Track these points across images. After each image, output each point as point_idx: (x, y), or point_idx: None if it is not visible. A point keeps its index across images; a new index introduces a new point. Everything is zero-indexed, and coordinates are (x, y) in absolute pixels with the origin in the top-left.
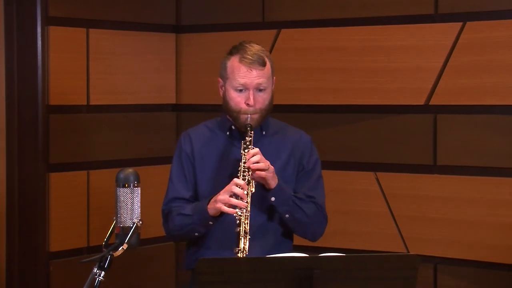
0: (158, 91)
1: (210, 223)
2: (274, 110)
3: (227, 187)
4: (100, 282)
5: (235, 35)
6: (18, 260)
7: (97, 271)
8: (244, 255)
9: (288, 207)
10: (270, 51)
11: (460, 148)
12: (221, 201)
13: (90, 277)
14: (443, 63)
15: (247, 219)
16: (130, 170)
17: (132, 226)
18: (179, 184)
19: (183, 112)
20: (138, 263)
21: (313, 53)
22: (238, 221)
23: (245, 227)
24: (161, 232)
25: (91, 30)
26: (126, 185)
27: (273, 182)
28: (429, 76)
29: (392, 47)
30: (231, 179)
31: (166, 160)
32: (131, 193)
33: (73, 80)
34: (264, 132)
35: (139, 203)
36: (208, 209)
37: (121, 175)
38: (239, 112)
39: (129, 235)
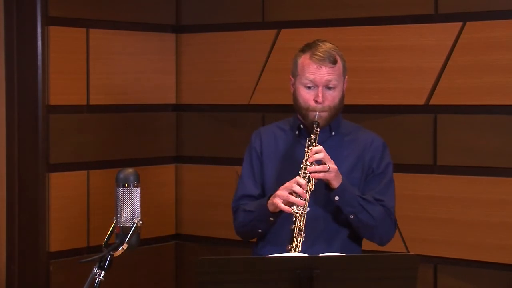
0: (158, 91)
1: (271, 219)
2: (275, 110)
3: (287, 184)
4: (100, 282)
5: (235, 35)
6: (18, 260)
7: (97, 271)
8: (297, 252)
9: (353, 208)
10: (270, 51)
11: (460, 148)
12: (280, 197)
13: (90, 277)
14: (443, 63)
15: (303, 217)
16: (130, 170)
17: (132, 226)
18: (248, 181)
19: (183, 112)
20: (138, 263)
21: None
22: (294, 219)
23: (300, 225)
24: (161, 232)
25: (91, 30)
26: (126, 185)
27: (335, 182)
28: (429, 76)
29: (392, 47)
30: (294, 177)
31: (166, 160)
32: (131, 193)
33: (73, 80)
34: (333, 133)
35: (139, 203)
36: (268, 205)
37: (121, 175)
38: (307, 109)
39: (129, 235)
